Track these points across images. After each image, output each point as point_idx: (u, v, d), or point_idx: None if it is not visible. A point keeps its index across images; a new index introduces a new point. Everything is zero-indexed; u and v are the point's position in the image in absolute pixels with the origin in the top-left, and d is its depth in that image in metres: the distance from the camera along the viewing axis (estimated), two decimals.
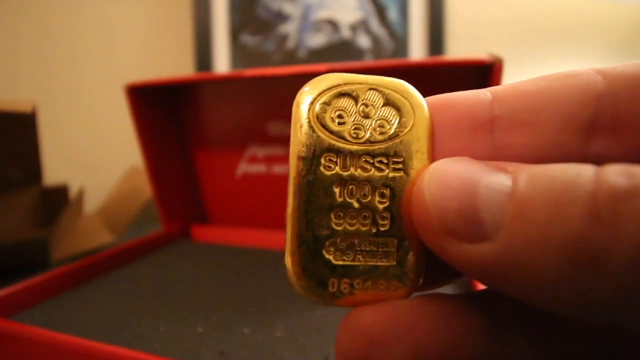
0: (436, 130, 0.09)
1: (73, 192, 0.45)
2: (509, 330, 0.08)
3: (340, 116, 0.09)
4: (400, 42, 0.59)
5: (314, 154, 0.08)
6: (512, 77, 0.10)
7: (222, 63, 0.59)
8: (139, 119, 0.37)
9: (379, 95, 0.09)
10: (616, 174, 0.06)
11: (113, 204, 0.46)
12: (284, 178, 0.40)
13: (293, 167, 0.09)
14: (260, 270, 0.31)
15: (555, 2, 0.61)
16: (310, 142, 0.09)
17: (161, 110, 0.41)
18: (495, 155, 0.09)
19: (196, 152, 0.43)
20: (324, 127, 0.09)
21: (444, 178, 0.08)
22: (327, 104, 0.09)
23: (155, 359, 0.18)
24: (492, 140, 0.09)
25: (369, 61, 0.58)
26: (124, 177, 0.53)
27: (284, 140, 0.40)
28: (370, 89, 0.09)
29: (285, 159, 0.40)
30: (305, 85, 0.09)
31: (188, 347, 0.20)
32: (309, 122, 0.09)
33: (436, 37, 0.58)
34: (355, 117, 0.09)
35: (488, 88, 0.09)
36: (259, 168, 0.41)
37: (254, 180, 0.41)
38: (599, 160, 0.08)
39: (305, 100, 0.09)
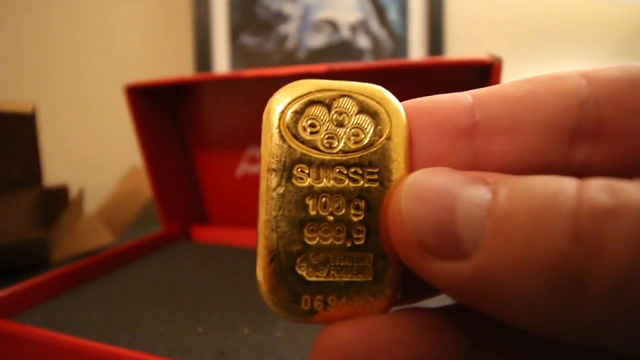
0: (415, 138, 0.09)
1: (73, 192, 0.45)
2: (488, 344, 0.08)
3: (312, 125, 0.08)
4: (400, 43, 0.59)
5: (285, 166, 0.08)
6: (512, 77, 0.10)
7: (221, 63, 0.59)
8: (138, 119, 0.37)
9: (353, 103, 0.09)
10: (599, 190, 0.06)
11: (113, 205, 0.46)
12: None
13: (263, 180, 0.08)
14: None
15: (555, 2, 0.61)
16: (280, 153, 0.08)
17: (161, 110, 0.41)
18: (476, 163, 0.08)
19: (196, 153, 0.43)
20: (295, 137, 0.08)
21: (421, 190, 0.07)
22: (298, 112, 0.08)
23: (155, 359, 0.18)
24: (473, 148, 0.08)
25: (368, 61, 0.58)
26: (124, 177, 0.53)
27: None
28: (344, 95, 0.09)
29: None
30: (276, 93, 0.09)
31: (188, 347, 0.20)
32: (280, 132, 0.08)
33: (436, 37, 0.58)
34: (328, 125, 0.08)
35: (470, 91, 0.09)
36: (258, 168, 0.41)
37: (254, 180, 0.41)
38: (582, 167, 0.08)
39: (276, 108, 0.09)
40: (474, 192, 0.07)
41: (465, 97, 0.09)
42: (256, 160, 0.41)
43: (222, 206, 0.43)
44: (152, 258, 0.34)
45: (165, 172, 0.40)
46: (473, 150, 0.08)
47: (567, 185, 0.06)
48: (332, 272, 0.08)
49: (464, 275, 0.07)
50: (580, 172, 0.07)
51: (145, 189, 0.47)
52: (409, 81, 0.32)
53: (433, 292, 0.09)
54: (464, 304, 0.07)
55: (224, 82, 0.40)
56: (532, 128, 0.08)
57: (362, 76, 0.30)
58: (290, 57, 0.60)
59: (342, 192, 0.08)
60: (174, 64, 0.63)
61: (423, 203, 0.07)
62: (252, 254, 0.35)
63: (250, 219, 0.41)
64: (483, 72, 0.28)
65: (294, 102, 0.09)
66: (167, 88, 0.40)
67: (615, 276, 0.06)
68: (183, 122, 0.43)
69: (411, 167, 0.09)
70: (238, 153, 0.41)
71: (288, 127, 0.08)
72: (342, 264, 0.08)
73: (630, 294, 0.06)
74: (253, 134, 0.41)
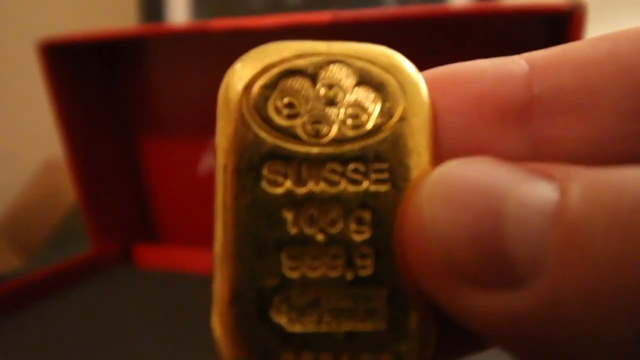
0: (443, 120, 0.09)
1: None
2: None
3: (290, 105, 0.08)
4: None
5: (251, 164, 0.08)
6: (601, 31, 0.10)
7: (178, 10, 0.59)
8: (57, 91, 0.37)
9: (348, 72, 0.08)
10: None
11: (21, 214, 0.46)
12: None
13: (220, 185, 0.08)
14: None
15: None
16: (244, 146, 0.08)
17: (92, 79, 0.41)
18: (533, 155, 0.08)
19: (142, 141, 0.43)
20: (265, 121, 0.08)
21: (453, 190, 0.07)
22: (269, 87, 0.08)
23: None
24: (530, 134, 0.08)
25: (390, 8, 0.58)
26: (37, 174, 0.53)
27: None
28: (335, 61, 0.08)
29: None
30: (237, 61, 0.08)
31: None
32: (242, 116, 0.08)
33: None
34: (314, 104, 0.08)
35: (523, 54, 0.09)
36: None
37: None
38: None
39: (237, 83, 0.08)
40: (532, 191, 0.07)
41: (516, 62, 0.09)
42: None
43: (178, 217, 0.43)
44: (78, 291, 0.34)
45: (97, 168, 0.40)
46: (529, 137, 0.08)
47: None
48: (326, 318, 0.08)
49: (516, 313, 0.07)
50: None
51: (66, 191, 0.47)
52: (446, 40, 0.32)
53: (478, 344, 0.09)
54: (514, 354, 0.07)
55: (182, 38, 0.40)
56: (618, 105, 0.08)
57: (379, 29, 0.30)
58: (277, 2, 0.60)
59: (338, 199, 0.08)
60: (110, 13, 0.62)
61: (456, 208, 0.07)
62: None
63: None
64: (557, 25, 0.28)
65: (262, 74, 0.08)
66: (101, 46, 0.40)
67: None
68: (123, 96, 0.42)
69: (437, 161, 0.08)
70: (201, 141, 0.41)
71: (255, 109, 0.08)
72: (340, 306, 0.08)
73: None
74: None
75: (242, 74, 0.08)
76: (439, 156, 0.08)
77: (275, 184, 0.08)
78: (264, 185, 0.08)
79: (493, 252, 0.07)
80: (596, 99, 0.08)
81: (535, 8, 0.27)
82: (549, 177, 0.07)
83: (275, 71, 0.08)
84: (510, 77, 0.08)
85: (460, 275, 0.07)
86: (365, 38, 0.09)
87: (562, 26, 0.27)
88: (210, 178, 0.42)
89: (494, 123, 0.08)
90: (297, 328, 0.08)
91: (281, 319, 0.08)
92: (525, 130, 0.08)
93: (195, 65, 0.41)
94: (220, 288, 0.08)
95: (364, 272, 0.08)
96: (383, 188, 0.08)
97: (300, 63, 0.08)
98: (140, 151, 0.44)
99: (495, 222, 0.07)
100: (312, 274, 0.08)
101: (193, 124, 0.42)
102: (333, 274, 0.08)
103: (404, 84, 0.08)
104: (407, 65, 0.09)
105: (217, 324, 0.08)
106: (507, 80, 0.08)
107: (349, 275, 0.08)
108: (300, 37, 0.09)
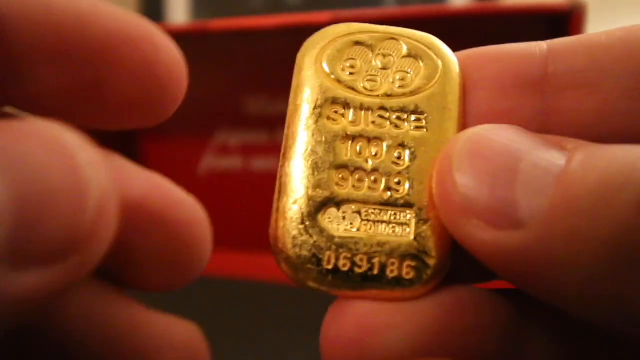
0: (471, 91, 0.10)
1: None
2: (527, 333, 0.10)
3: (352, 66, 0.10)
4: None
5: (317, 103, 0.10)
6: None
7: (178, 10, 0.59)
8: None
9: (399, 45, 0.11)
10: None
11: None
12: (269, 176, 0.40)
13: (291, 114, 0.10)
14: (236, 320, 0.30)
15: None
16: (312, 88, 0.10)
17: None
18: (543, 122, 0.10)
19: (142, 141, 0.43)
20: (332, 74, 0.10)
21: (480, 146, 0.09)
22: (337, 51, 0.10)
23: None
24: (543, 104, 0.10)
25: (390, 8, 0.58)
26: None
27: (268, 123, 0.40)
28: (390, 38, 0.11)
29: (270, 148, 0.40)
30: (313, 35, 0.11)
31: None
32: (314, 68, 0.10)
33: None
34: (370, 67, 0.10)
35: (547, 41, 0.10)
36: (231, 162, 0.41)
37: (224, 179, 0.41)
38: None
39: (311, 47, 0.10)
40: (545, 155, 0.08)
41: (538, 45, 0.10)
42: (228, 150, 0.41)
43: None
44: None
45: None
46: (542, 107, 0.10)
47: None
48: (364, 226, 0.10)
49: (515, 248, 0.08)
50: None
51: None
52: (446, 40, 0.31)
53: (486, 274, 0.10)
54: (509, 282, 0.09)
55: (182, 39, 0.40)
56: (623, 82, 0.09)
57: None
58: (277, 3, 0.60)
59: (382, 137, 0.10)
60: None
61: (480, 160, 0.09)
62: (221, 290, 0.35)
63: (218, 238, 0.41)
64: (556, 26, 0.28)
65: (333, 42, 0.11)
66: None
67: None
68: None
69: (465, 121, 0.10)
70: (201, 141, 0.42)
71: (324, 65, 0.10)
72: (377, 218, 0.10)
73: None
74: (224, 113, 0.41)
75: (318, 40, 0.11)
76: (467, 118, 0.10)
77: (334, 121, 0.10)
78: (325, 121, 0.10)
79: (503, 198, 0.08)
80: (603, 77, 0.09)
81: (535, 8, 0.27)
82: (561, 147, 0.08)
83: (343, 40, 0.11)
84: (532, 56, 0.10)
85: (474, 214, 0.09)
86: None
87: (562, 26, 0.27)
88: (210, 178, 0.42)
89: (514, 95, 0.10)
90: (339, 232, 0.10)
91: (327, 224, 0.10)
92: (538, 101, 0.10)
93: (195, 65, 0.41)
94: (280, 195, 0.10)
95: (397, 195, 0.10)
96: (419, 133, 0.10)
97: (363, 37, 0.11)
98: (140, 151, 0.44)
99: (510, 176, 0.08)
100: (356, 192, 0.10)
101: (193, 124, 0.42)
102: (373, 193, 0.10)
103: (442, 58, 0.10)
104: (445, 47, 0.11)
105: (275, 225, 0.10)
106: (528, 59, 0.10)
107: (386, 195, 0.10)
108: (300, 37, 0.11)
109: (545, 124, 0.10)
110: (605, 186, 0.07)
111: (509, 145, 0.09)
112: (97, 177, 0.08)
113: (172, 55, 0.10)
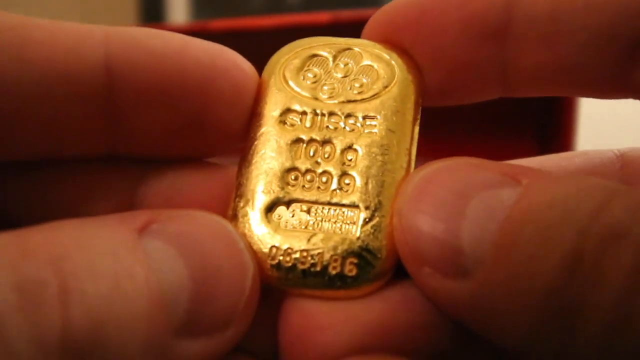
0: (438, 38, 0.10)
1: None
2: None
3: (313, 75, 0.11)
4: None
5: (275, 111, 0.11)
6: None
7: (178, 10, 0.59)
8: None
9: (359, 54, 0.11)
10: (623, 208, 0.07)
11: None
12: None
13: (251, 123, 0.11)
14: None
15: None
16: (272, 97, 0.11)
17: None
18: (503, 73, 0.10)
19: None
20: (292, 84, 0.11)
21: (426, 193, 0.09)
22: (299, 62, 0.11)
23: None
24: (504, 55, 0.10)
25: None
26: None
27: None
28: (349, 49, 0.11)
29: None
30: (279, 50, 0.11)
31: None
32: (275, 79, 0.11)
33: None
34: (330, 76, 0.11)
35: None
36: (231, 162, 0.41)
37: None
38: None
39: (275, 60, 0.11)
40: (494, 196, 0.08)
41: None
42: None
43: None
44: None
45: None
46: (502, 59, 0.10)
47: (592, 196, 0.07)
48: (312, 224, 0.10)
49: (462, 297, 0.08)
50: None
51: None
52: None
53: None
54: (465, 325, 0.09)
55: None
56: (580, 36, 0.09)
57: None
58: (277, 3, 0.60)
59: (335, 140, 0.10)
60: (110, 12, 0.63)
61: (425, 208, 0.09)
62: None
63: None
64: None
65: (295, 54, 0.11)
66: None
67: (610, 307, 0.07)
68: None
69: (430, 70, 0.11)
70: None
71: (285, 76, 0.11)
72: (324, 217, 0.10)
73: (628, 330, 0.07)
74: None
75: (283, 53, 0.11)
76: (431, 62, 0.11)
77: (292, 127, 0.11)
78: (282, 127, 0.11)
79: (450, 248, 0.08)
80: (559, 28, 0.09)
81: None
82: (516, 181, 0.08)
83: (306, 52, 0.11)
84: (493, 3, 0.10)
85: (426, 263, 0.09)
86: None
87: None
88: None
89: (476, 43, 0.10)
90: (285, 230, 0.10)
91: (275, 223, 0.10)
92: (500, 52, 0.10)
93: None
94: (236, 195, 0.10)
95: (346, 195, 0.10)
96: (370, 136, 0.10)
97: (325, 49, 0.11)
98: None
99: (456, 223, 0.08)
100: (306, 192, 0.10)
101: None
102: (323, 193, 0.10)
103: (398, 65, 0.11)
104: (401, 54, 0.11)
105: (232, 220, 0.10)
106: (491, 5, 0.10)
107: (334, 196, 0.10)
108: (300, 37, 0.11)
109: (505, 75, 0.10)
110: (541, 239, 0.07)
111: (456, 187, 0.09)
112: (252, 261, 0.09)
113: (255, 79, 0.11)
